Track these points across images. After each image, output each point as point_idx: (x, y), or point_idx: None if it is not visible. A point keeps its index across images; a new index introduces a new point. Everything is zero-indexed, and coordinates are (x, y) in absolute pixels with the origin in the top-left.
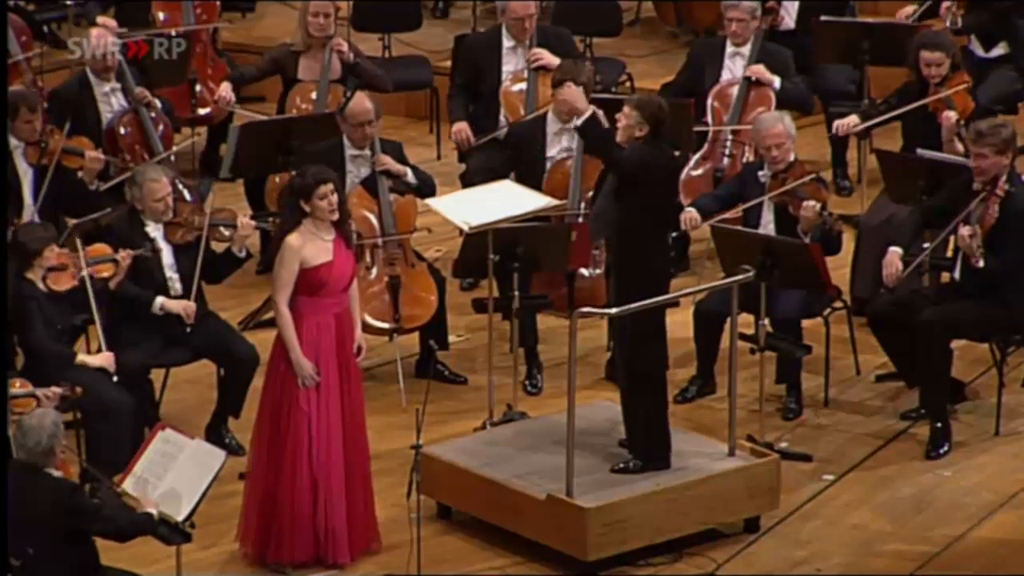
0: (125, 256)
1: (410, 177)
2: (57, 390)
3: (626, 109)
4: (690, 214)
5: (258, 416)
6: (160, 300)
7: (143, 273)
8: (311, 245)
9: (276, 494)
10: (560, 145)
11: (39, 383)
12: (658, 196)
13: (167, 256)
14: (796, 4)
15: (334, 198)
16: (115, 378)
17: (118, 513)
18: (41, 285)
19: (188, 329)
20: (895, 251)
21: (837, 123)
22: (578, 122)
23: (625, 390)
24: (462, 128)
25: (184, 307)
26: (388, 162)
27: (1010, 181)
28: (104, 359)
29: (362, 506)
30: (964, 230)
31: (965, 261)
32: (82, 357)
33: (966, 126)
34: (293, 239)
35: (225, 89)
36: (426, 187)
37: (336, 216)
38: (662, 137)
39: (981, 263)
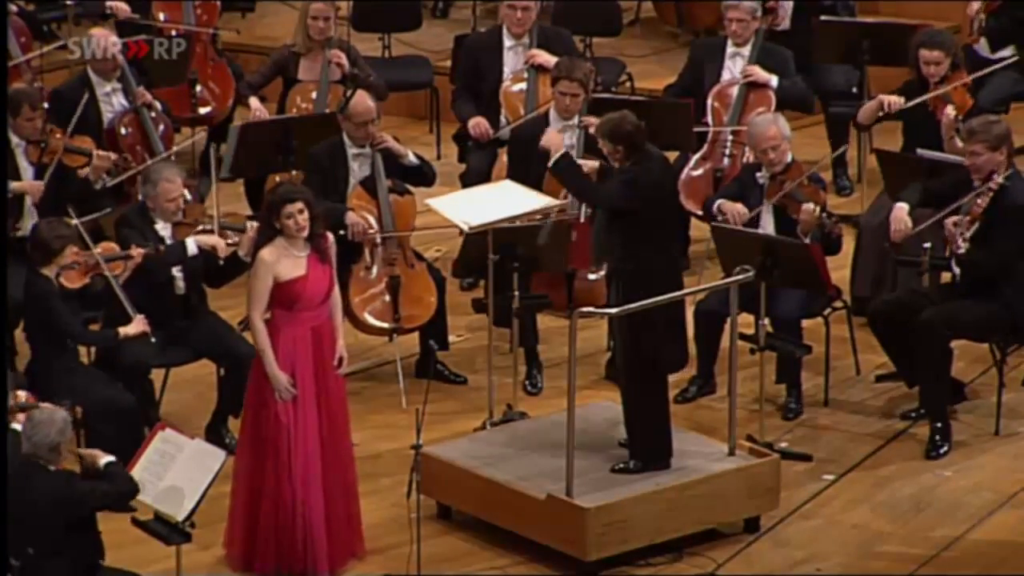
0: (139, 253)
1: (411, 157)
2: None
3: (599, 141)
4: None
5: (241, 425)
6: (193, 238)
7: (148, 271)
8: (284, 260)
9: (260, 503)
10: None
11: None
12: (652, 210)
13: None
14: (790, 4)
15: (301, 217)
16: (153, 339)
17: (105, 485)
18: (54, 282)
19: (221, 263)
20: (902, 207)
21: (886, 100)
22: (550, 163)
23: (625, 389)
24: (480, 122)
25: (216, 242)
26: (388, 139)
27: (1008, 177)
28: (139, 323)
29: (344, 517)
30: (950, 219)
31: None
32: (123, 330)
33: (964, 122)
34: (266, 253)
35: (257, 106)
36: (428, 169)
37: (305, 234)
38: (642, 144)
39: (961, 249)
